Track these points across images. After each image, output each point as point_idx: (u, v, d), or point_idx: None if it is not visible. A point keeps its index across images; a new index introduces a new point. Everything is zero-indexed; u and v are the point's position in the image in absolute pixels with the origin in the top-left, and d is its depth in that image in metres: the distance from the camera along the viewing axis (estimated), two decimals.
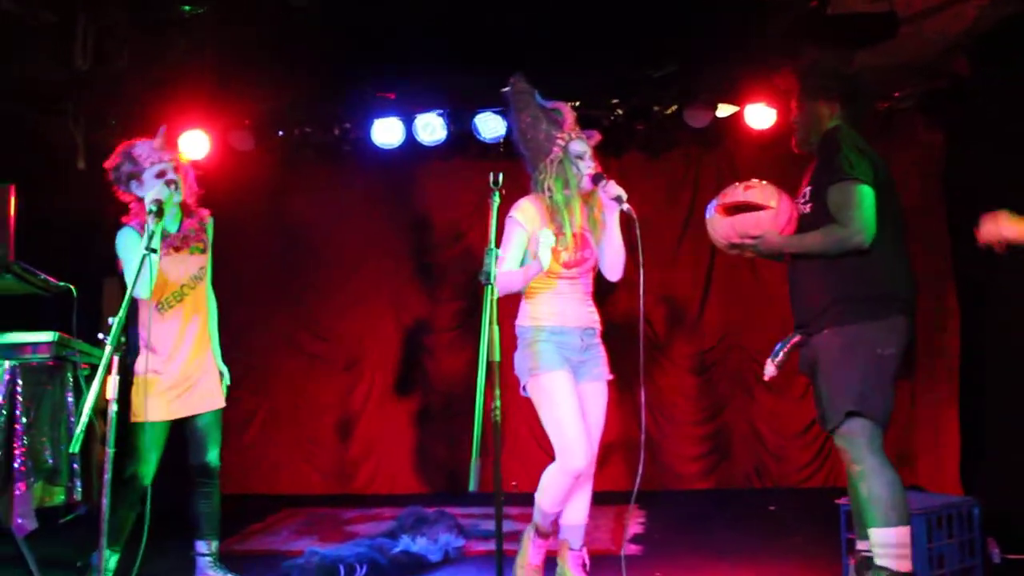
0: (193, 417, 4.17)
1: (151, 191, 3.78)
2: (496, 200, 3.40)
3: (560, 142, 3.88)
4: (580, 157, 3.90)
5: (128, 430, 4.01)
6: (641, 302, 3.72)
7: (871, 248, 3.41)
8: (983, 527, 3.96)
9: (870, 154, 3.49)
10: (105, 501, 3.25)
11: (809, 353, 3.61)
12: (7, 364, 3.53)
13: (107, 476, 3.25)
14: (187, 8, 5.41)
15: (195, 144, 6.34)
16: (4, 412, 3.49)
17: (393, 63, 5.90)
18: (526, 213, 3.87)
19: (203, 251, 4.25)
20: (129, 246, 3.94)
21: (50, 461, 3.59)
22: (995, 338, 5.37)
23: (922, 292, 5.92)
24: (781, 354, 3.63)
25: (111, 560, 3.98)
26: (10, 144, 6.01)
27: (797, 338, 3.64)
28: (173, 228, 4.15)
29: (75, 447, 3.05)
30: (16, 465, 3.47)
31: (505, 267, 3.81)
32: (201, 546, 4.29)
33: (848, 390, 3.42)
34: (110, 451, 3.25)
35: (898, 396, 6.22)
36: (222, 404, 4.27)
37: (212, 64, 5.75)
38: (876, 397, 3.41)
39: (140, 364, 4.05)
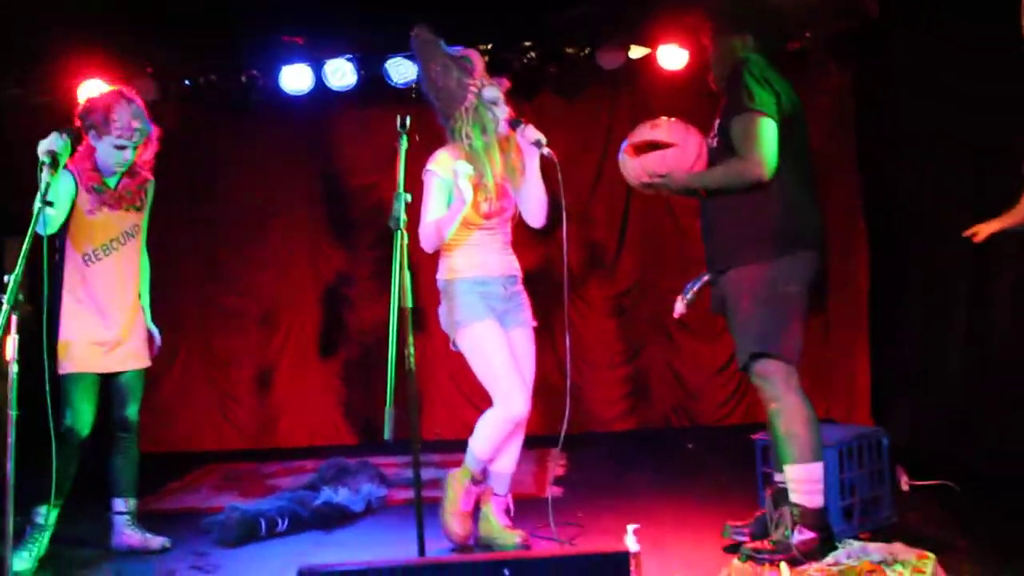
0: (118, 373, 4.18)
1: (47, 141, 3.61)
2: (403, 143, 3.33)
3: (473, 89, 3.83)
4: (494, 103, 3.85)
5: (59, 383, 4.00)
6: (565, 247, 3.71)
7: (774, 183, 3.39)
8: (892, 456, 4.07)
9: (778, 84, 3.45)
10: (10, 465, 3.14)
11: (718, 292, 3.64)
12: None
13: (11, 440, 3.15)
14: None
15: (94, 93, 6.08)
16: None
17: (300, 7, 5.73)
18: (442, 163, 3.82)
19: (139, 210, 4.23)
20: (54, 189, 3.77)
21: None
22: (902, 273, 5.50)
23: (833, 229, 6.08)
24: (690, 293, 3.67)
25: (51, 515, 3.96)
26: None
27: (707, 277, 3.67)
28: (112, 184, 4.13)
29: None
30: None
31: (430, 219, 3.78)
32: (118, 504, 4.25)
33: (751, 330, 3.44)
34: (12, 414, 3.15)
35: (811, 330, 6.41)
36: (147, 364, 4.31)
37: (112, 9, 5.52)
38: (781, 336, 3.42)
39: (66, 315, 4.05)
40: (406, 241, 3.15)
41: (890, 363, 5.73)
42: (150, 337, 4.31)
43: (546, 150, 3.74)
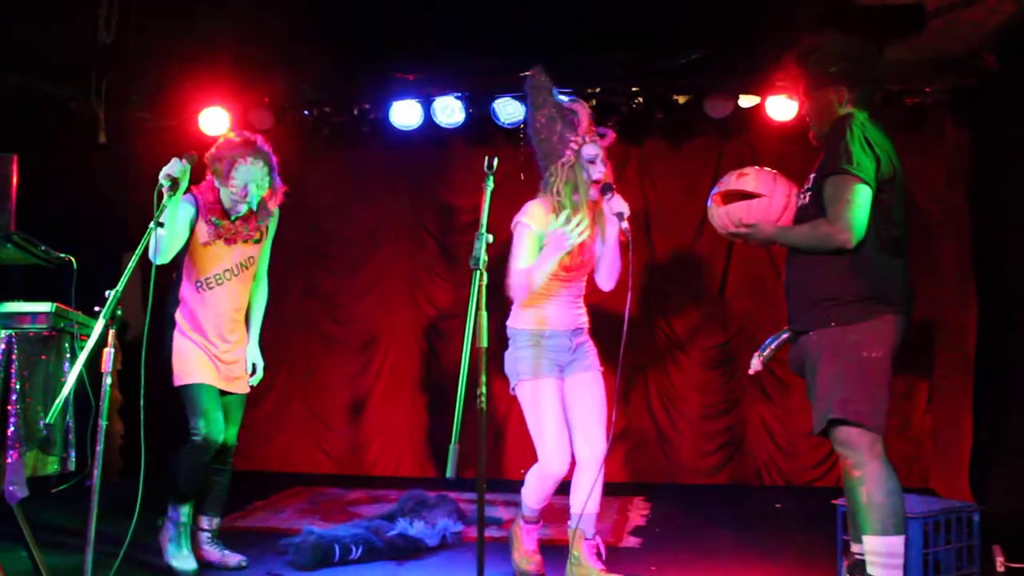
0: (221, 394, 4.26)
1: (167, 166, 3.69)
2: (489, 184, 3.37)
3: (573, 146, 3.88)
4: (592, 161, 3.90)
5: (182, 395, 4.15)
6: (625, 325, 3.68)
7: (865, 248, 3.27)
8: (984, 533, 3.87)
9: (879, 146, 3.31)
10: (96, 472, 3.25)
11: (798, 352, 3.52)
12: (3, 333, 3.54)
13: (99, 448, 3.27)
14: None
15: (215, 121, 6.36)
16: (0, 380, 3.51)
17: (412, 44, 5.87)
18: (534, 216, 3.88)
19: (257, 241, 4.31)
20: (170, 214, 3.93)
21: (44, 431, 3.61)
22: (1013, 339, 5.25)
23: (943, 292, 5.86)
24: (768, 350, 3.56)
25: (189, 514, 4.23)
26: (36, 117, 6.09)
27: (786, 335, 3.56)
28: (232, 219, 4.22)
29: (51, 418, 3.09)
30: (9, 433, 3.48)
31: (521, 267, 3.83)
32: (203, 521, 4.36)
33: (831, 395, 3.30)
34: (103, 423, 3.26)
35: (916, 397, 6.15)
36: (247, 390, 4.41)
37: (233, 42, 5.76)
38: (864, 402, 3.27)
39: (178, 333, 4.19)
40: (485, 281, 3.17)
41: (995, 434, 5.45)
42: (253, 369, 4.41)
43: (625, 224, 3.79)
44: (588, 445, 3.93)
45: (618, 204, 3.80)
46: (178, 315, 4.21)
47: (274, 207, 4.35)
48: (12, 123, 5.67)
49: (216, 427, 4.11)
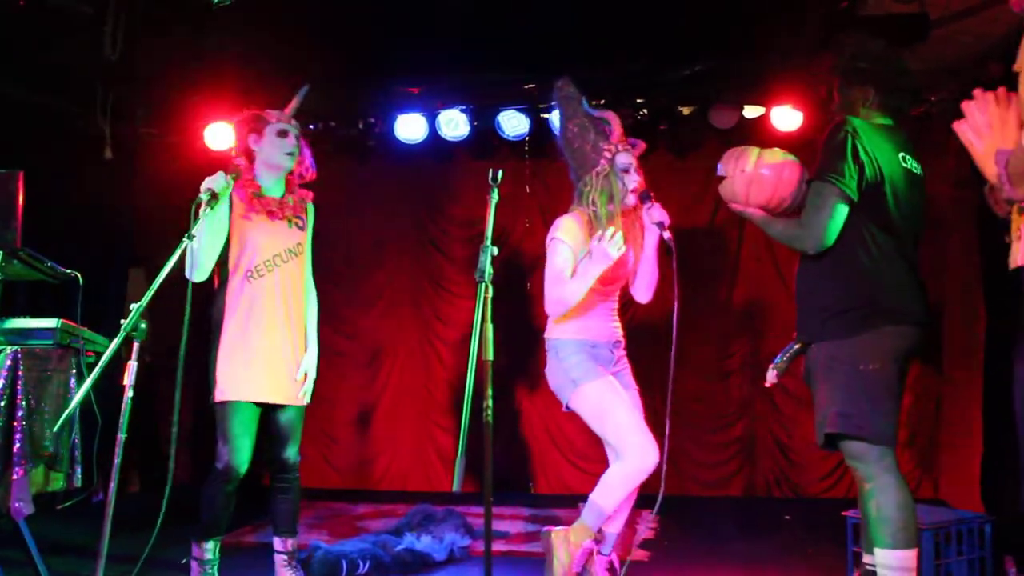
0: (278, 409, 3.93)
1: (210, 178, 3.59)
2: (494, 197, 3.34)
3: (607, 154, 3.83)
4: (626, 170, 3.85)
5: (214, 413, 3.81)
6: (674, 332, 3.62)
7: (854, 258, 3.25)
8: (996, 544, 3.83)
9: (868, 152, 3.22)
10: (113, 486, 3.22)
11: (807, 363, 3.50)
12: (10, 349, 3.55)
13: (117, 461, 3.22)
14: (216, 1, 5.44)
15: (220, 136, 6.37)
16: (5, 397, 3.50)
17: (417, 58, 5.87)
18: (569, 231, 3.81)
19: (301, 229, 4.01)
20: (207, 228, 3.73)
21: (50, 447, 3.60)
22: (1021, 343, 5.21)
23: (951, 301, 5.84)
24: (781, 361, 3.54)
25: (215, 550, 3.86)
26: (42, 133, 6.11)
27: (798, 345, 3.54)
28: (277, 193, 3.96)
29: (57, 427, 3.07)
30: (15, 450, 3.48)
31: (559, 285, 3.76)
32: (278, 543, 4.08)
33: (828, 410, 3.25)
34: (122, 437, 3.22)
35: (925, 406, 6.11)
36: (307, 401, 4.01)
37: (238, 57, 5.77)
38: (863, 415, 3.19)
39: (224, 336, 3.82)
40: (491, 294, 3.14)
41: (1007, 442, 5.39)
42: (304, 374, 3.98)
43: (667, 234, 3.71)
44: None
45: (658, 213, 3.75)
46: (225, 319, 3.83)
47: (303, 171, 4.06)
48: (18, 138, 5.69)
49: (240, 456, 3.75)
